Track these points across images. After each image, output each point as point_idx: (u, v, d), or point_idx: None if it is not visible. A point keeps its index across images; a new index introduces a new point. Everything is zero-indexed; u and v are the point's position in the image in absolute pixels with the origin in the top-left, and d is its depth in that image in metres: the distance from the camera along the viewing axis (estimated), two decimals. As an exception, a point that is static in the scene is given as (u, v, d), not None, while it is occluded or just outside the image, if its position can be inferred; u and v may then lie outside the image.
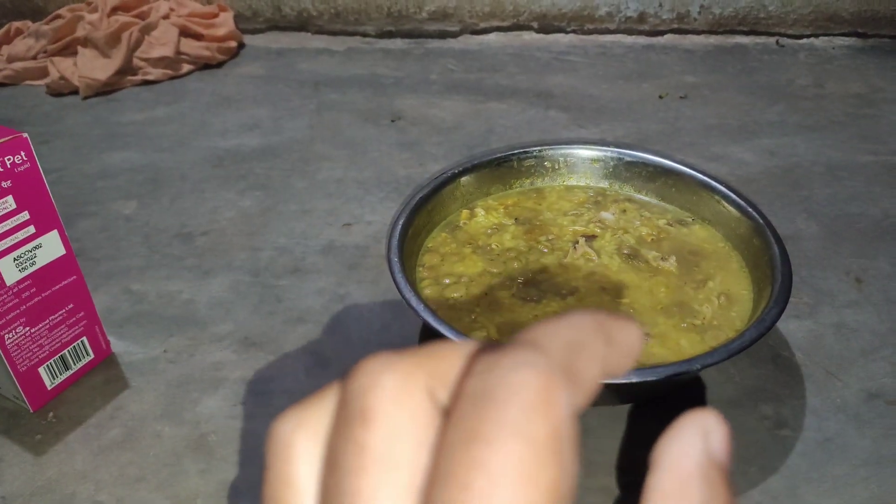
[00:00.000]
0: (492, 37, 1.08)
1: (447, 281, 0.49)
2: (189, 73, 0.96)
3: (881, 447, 0.43)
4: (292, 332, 0.53)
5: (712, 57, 1.00)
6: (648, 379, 0.37)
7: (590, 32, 1.08)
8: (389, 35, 1.08)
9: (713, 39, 1.05)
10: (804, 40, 1.04)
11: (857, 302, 0.54)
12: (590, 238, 0.52)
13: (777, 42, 1.04)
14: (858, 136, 0.77)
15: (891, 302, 0.54)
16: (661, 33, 1.07)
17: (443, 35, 1.08)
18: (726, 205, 0.52)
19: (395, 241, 0.48)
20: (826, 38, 1.04)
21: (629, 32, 1.07)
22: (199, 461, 0.43)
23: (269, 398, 0.47)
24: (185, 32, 0.97)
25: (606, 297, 0.47)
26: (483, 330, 0.44)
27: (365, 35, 1.09)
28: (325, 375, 0.49)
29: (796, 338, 0.50)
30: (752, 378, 0.47)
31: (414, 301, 0.43)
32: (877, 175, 0.70)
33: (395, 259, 0.46)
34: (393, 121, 0.84)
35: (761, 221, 0.48)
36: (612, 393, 0.42)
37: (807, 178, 0.69)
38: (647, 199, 0.57)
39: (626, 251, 0.51)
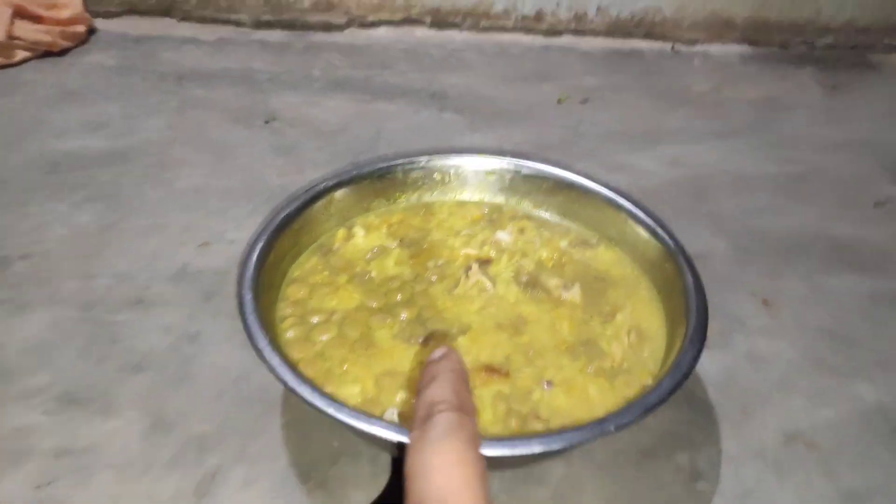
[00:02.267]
0: (381, 31, 1.00)
1: (315, 320, 0.40)
2: (24, 61, 0.82)
3: (805, 497, 0.39)
4: (127, 384, 0.43)
5: (611, 60, 0.97)
6: (553, 448, 0.30)
7: (486, 30, 1.02)
8: (267, 25, 0.98)
9: (610, 42, 1.02)
10: (698, 46, 1.02)
11: (767, 328, 0.50)
12: (484, 263, 0.45)
13: (672, 48, 1.01)
14: (761, 143, 0.75)
15: (801, 326, 0.50)
16: (559, 33, 1.02)
17: (327, 27, 0.99)
18: (634, 224, 0.46)
19: (248, 273, 0.39)
20: (719, 44, 1.03)
21: (527, 31, 1.02)
22: (-16, 570, 0.33)
23: (88, 474, 0.38)
24: (19, 14, 0.82)
25: (503, 335, 0.40)
26: (357, 383, 0.37)
27: (239, 24, 0.98)
28: (165, 443, 0.39)
29: (709, 374, 0.45)
30: (666, 422, 0.42)
31: (268, 353, 0.34)
32: (781, 185, 0.67)
33: (249, 296, 0.38)
34: (267, 122, 0.74)
35: (673, 246, 0.43)
36: (521, 460, 0.35)
37: (712, 189, 0.66)
38: (547, 215, 0.50)
39: (524, 278, 0.44)
